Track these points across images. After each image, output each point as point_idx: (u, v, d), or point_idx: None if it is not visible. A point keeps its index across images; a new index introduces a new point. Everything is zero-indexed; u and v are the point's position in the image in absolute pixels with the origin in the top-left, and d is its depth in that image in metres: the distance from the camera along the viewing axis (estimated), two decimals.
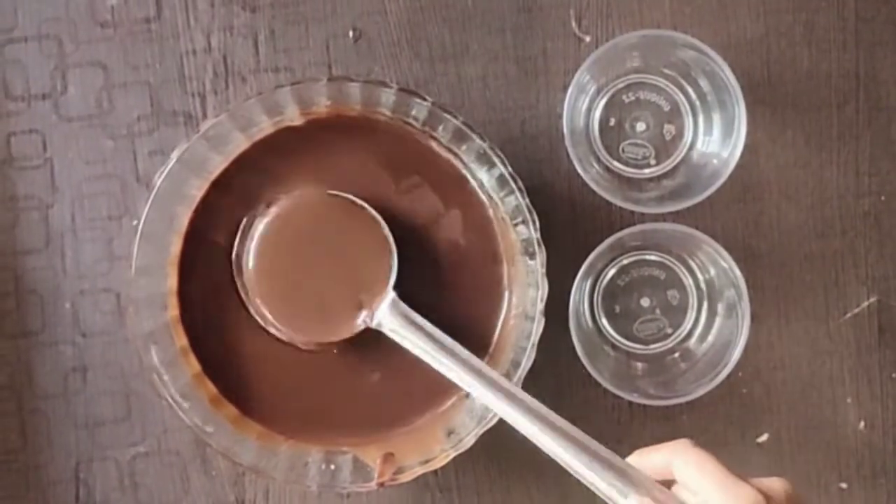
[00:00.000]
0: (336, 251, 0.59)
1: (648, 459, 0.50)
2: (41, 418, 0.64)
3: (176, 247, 0.60)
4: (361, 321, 0.58)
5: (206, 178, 0.59)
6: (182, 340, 0.60)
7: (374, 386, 0.61)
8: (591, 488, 0.51)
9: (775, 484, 0.47)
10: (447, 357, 0.56)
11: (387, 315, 0.58)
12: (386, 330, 0.58)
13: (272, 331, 0.59)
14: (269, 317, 0.59)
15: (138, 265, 0.57)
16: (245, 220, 0.60)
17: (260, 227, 0.59)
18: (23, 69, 0.63)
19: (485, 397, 0.55)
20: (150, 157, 0.64)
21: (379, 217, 0.59)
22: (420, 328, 0.57)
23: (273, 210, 0.59)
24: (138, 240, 0.57)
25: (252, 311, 0.60)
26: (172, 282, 0.60)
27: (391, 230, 0.59)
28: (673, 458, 0.49)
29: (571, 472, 0.52)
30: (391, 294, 0.58)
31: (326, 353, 0.60)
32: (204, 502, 0.64)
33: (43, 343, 0.64)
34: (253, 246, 0.59)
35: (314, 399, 0.61)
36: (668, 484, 0.50)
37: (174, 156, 0.57)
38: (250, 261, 0.59)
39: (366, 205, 0.59)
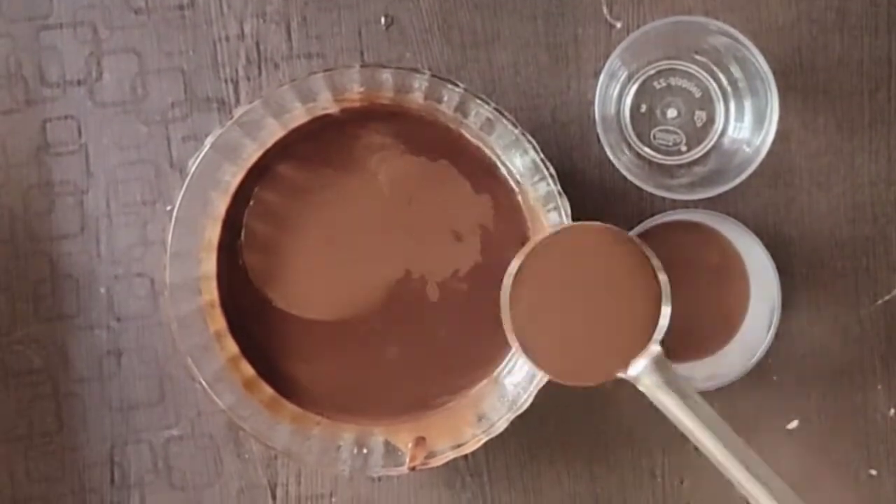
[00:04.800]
0: (600, 286, 0.54)
1: None
2: (76, 401, 0.65)
3: (210, 231, 0.60)
4: (617, 371, 0.54)
5: (239, 164, 0.60)
6: (216, 325, 0.60)
7: (406, 364, 0.62)
8: None
9: None
10: (705, 433, 0.52)
11: (646, 371, 0.53)
12: (641, 386, 0.53)
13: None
14: (517, 345, 0.55)
15: (173, 250, 0.58)
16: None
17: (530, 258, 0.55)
18: (58, 56, 0.64)
19: (734, 478, 0.52)
20: (184, 142, 0.64)
21: (655, 260, 0.54)
22: (681, 393, 0.53)
23: (548, 239, 0.55)
24: (173, 225, 0.58)
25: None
26: (207, 267, 0.60)
27: (422, 218, 0.60)
28: None
29: None
30: (656, 349, 0.54)
31: (361, 328, 0.61)
32: (236, 485, 0.65)
33: (78, 327, 0.64)
34: (523, 279, 0.54)
35: (349, 377, 0.62)
36: None
37: (208, 142, 0.57)
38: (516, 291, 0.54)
39: (642, 243, 0.54)
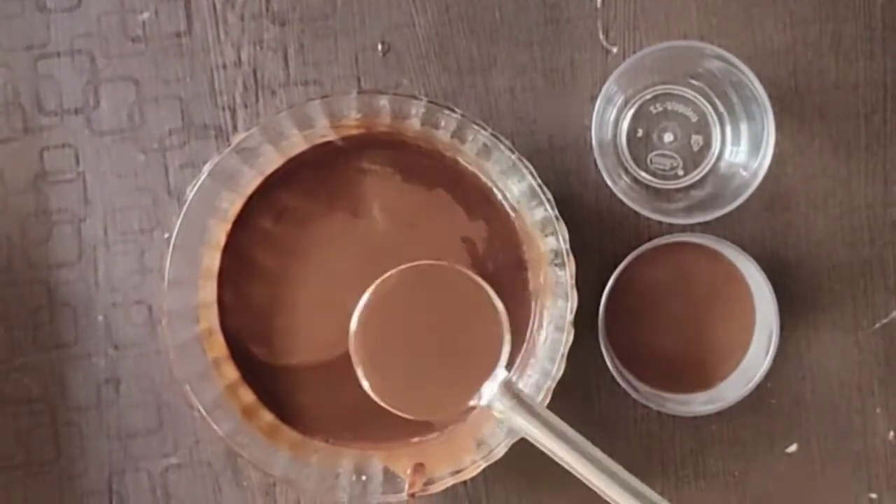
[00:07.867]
0: (441, 322, 0.56)
1: None
2: (74, 430, 0.64)
3: (208, 259, 0.60)
4: (472, 401, 0.55)
5: (238, 191, 0.60)
6: (215, 352, 0.60)
7: None
8: None
9: None
10: (561, 444, 0.53)
11: (497, 397, 0.54)
12: (496, 412, 0.54)
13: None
14: (367, 385, 0.56)
15: (171, 278, 0.58)
16: None
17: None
18: (55, 84, 0.64)
19: (599, 487, 0.53)
20: (182, 170, 0.64)
21: (488, 287, 0.55)
22: (532, 412, 0.53)
23: (391, 279, 0.56)
24: (171, 253, 0.58)
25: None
26: (205, 294, 0.60)
27: (418, 246, 0.60)
28: None
29: None
30: (502, 373, 0.55)
31: None
32: None
33: (76, 355, 0.64)
34: (369, 318, 0.55)
35: (348, 401, 0.61)
36: None
37: (206, 169, 0.57)
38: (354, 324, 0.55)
39: (473, 274, 0.56)
